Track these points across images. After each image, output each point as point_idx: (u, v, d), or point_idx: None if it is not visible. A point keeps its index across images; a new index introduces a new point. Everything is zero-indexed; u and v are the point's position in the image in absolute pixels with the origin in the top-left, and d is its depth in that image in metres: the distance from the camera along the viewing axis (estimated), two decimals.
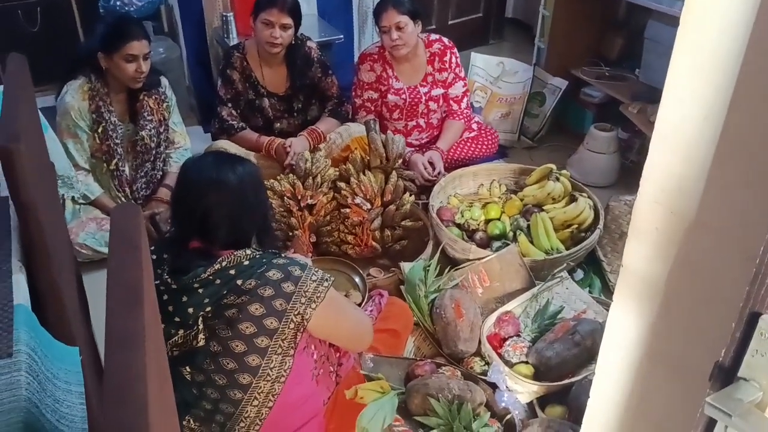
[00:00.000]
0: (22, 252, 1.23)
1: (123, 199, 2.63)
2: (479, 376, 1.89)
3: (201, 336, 1.42)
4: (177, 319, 1.42)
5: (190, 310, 1.40)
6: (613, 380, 1.12)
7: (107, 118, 2.49)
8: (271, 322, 1.39)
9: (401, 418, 1.77)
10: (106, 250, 2.45)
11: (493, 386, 1.84)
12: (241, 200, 1.47)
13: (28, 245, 1.19)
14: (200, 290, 1.40)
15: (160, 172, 2.72)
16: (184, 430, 1.49)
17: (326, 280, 1.45)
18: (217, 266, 1.41)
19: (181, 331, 1.43)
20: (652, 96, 3.04)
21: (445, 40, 2.93)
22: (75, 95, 2.44)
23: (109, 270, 0.84)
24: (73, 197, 2.44)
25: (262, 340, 1.40)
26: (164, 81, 2.67)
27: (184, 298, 1.41)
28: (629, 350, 1.10)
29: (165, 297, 1.43)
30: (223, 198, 1.44)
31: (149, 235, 2.61)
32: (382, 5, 2.73)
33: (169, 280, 1.44)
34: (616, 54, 3.37)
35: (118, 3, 3.53)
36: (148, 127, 2.60)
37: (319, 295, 1.42)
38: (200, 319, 1.42)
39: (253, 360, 1.41)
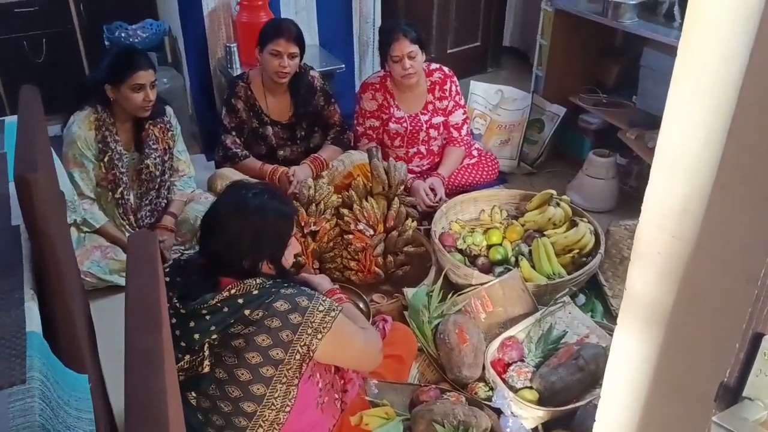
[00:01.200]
0: (34, 280, 1.25)
1: (127, 227, 2.65)
2: (484, 401, 1.89)
3: (206, 363, 1.44)
4: (183, 344, 1.44)
5: (197, 336, 1.42)
6: (618, 403, 1.13)
7: (113, 147, 2.52)
8: (277, 353, 1.41)
9: None
10: (110, 278, 2.49)
11: (498, 412, 1.84)
12: (262, 229, 1.50)
13: (40, 273, 1.21)
14: (207, 317, 1.42)
15: (165, 200, 2.74)
16: None
17: (333, 309, 1.46)
18: (225, 294, 1.43)
19: (187, 357, 1.45)
20: (649, 122, 3.09)
21: (445, 69, 2.99)
22: (81, 125, 2.47)
23: (128, 293, 0.86)
24: (78, 225, 2.46)
25: (268, 370, 1.42)
26: (169, 110, 2.71)
27: (192, 324, 1.43)
28: (634, 373, 1.11)
29: (173, 321, 1.45)
30: (248, 220, 1.49)
31: None
32: (393, 35, 2.76)
33: (177, 304, 1.46)
34: (613, 81, 3.43)
35: (122, 35, 3.61)
36: (153, 156, 2.63)
37: (325, 325, 1.44)
38: (206, 345, 1.43)
39: (258, 389, 1.43)
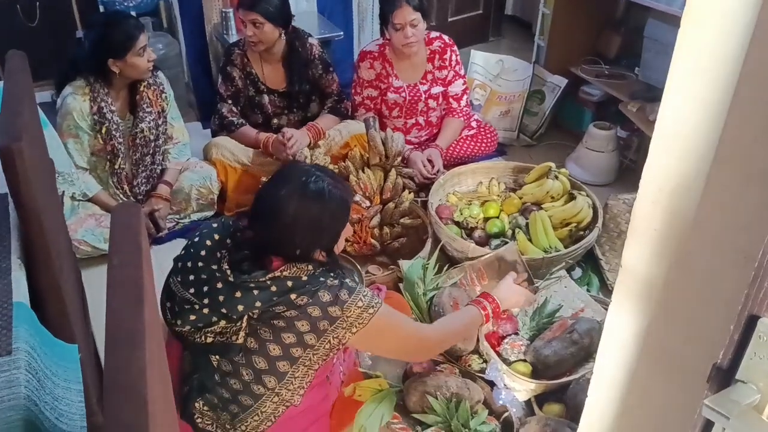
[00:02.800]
0: (22, 250, 1.23)
1: (122, 195, 2.63)
2: (477, 374, 1.89)
3: (242, 334, 1.45)
4: (224, 311, 1.43)
5: (240, 307, 1.42)
6: (610, 380, 1.13)
7: (110, 117, 2.48)
8: (310, 339, 1.42)
9: (399, 416, 1.78)
10: (104, 246, 2.49)
11: (491, 384, 1.85)
12: (320, 217, 1.48)
13: (28, 244, 1.19)
14: (255, 291, 1.42)
15: (159, 167, 2.72)
16: (193, 412, 1.50)
17: (372, 306, 1.45)
18: (277, 273, 1.43)
19: (222, 322, 1.45)
20: (651, 94, 3.05)
21: (446, 37, 2.93)
22: (76, 97, 2.43)
23: (110, 268, 0.84)
24: (72, 194, 2.44)
25: (297, 350, 1.43)
26: (160, 74, 2.67)
27: (238, 294, 1.43)
28: (627, 350, 1.11)
29: (219, 285, 1.45)
30: (308, 209, 1.46)
31: (148, 232, 2.61)
32: (395, 2, 2.69)
33: (227, 271, 1.46)
34: (615, 52, 3.37)
35: None
36: (147, 119, 2.59)
37: (362, 321, 1.44)
38: (245, 317, 1.44)
39: (283, 366, 1.44)
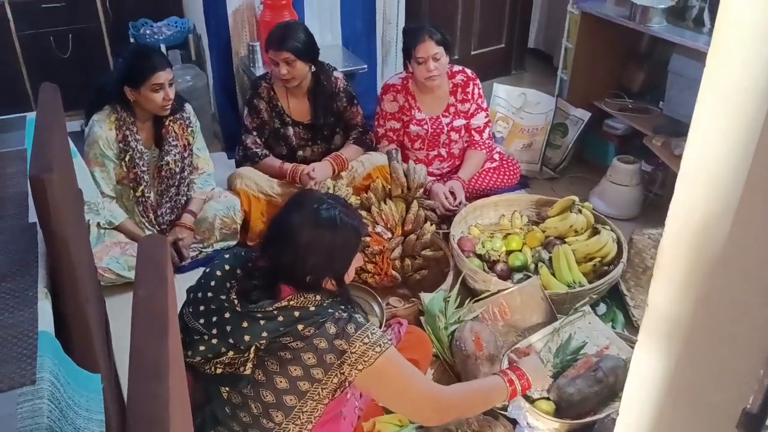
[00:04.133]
0: (48, 278, 1.25)
1: (147, 224, 2.67)
2: (499, 411, 1.86)
3: (249, 365, 1.45)
4: (231, 341, 1.44)
5: (247, 337, 1.43)
6: (636, 423, 1.10)
7: (134, 146, 2.53)
8: (318, 373, 1.41)
9: None
10: (129, 274, 2.51)
11: (514, 422, 1.82)
12: (331, 245, 1.49)
13: (55, 272, 1.21)
14: (261, 321, 1.43)
15: (184, 198, 2.75)
16: None
17: (379, 345, 1.43)
18: (284, 303, 1.44)
19: (231, 353, 1.45)
20: (675, 129, 3.03)
21: (468, 71, 2.96)
22: (102, 125, 2.49)
23: (136, 300, 0.85)
24: (98, 222, 2.48)
25: (304, 384, 1.42)
26: (188, 107, 2.72)
27: (245, 324, 1.44)
28: (653, 392, 1.08)
29: (227, 315, 1.46)
30: (318, 236, 1.48)
31: (171, 261, 2.63)
32: (418, 36, 2.73)
33: (235, 300, 1.47)
34: (639, 86, 3.37)
35: (147, 32, 3.63)
36: (173, 152, 2.64)
37: (367, 359, 1.42)
38: (253, 348, 1.44)
39: (291, 400, 1.43)
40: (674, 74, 3.08)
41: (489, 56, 4.55)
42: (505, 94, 3.53)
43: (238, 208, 2.75)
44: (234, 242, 2.81)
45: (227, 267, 1.55)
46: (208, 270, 1.57)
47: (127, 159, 2.55)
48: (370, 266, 2.48)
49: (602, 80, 3.39)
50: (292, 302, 1.45)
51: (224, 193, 2.81)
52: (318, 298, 1.47)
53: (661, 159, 2.98)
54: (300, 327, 1.42)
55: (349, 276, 1.62)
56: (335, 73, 2.93)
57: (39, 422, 0.94)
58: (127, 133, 2.53)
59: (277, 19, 3.20)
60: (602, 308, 2.43)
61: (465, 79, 2.93)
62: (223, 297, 1.49)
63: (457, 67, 2.98)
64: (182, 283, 2.58)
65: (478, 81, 2.96)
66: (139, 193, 2.62)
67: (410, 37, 2.80)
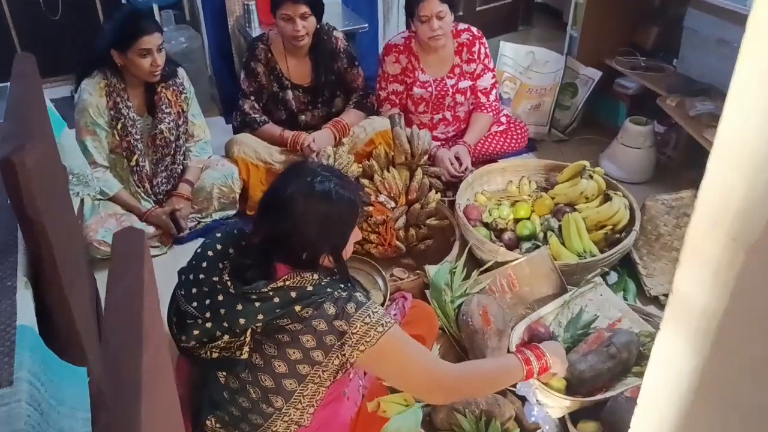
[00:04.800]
0: (29, 265, 1.17)
1: (143, 194, 2.58)
2: (508, 388, 1.80)
3: (246, 349, 1.39)
4: (225, 324, 1.38)
5: (242, 320, 1.36)
6: (658, 416, 1.03)
7: (126, 114, 2.43)
8: (318, 355, 1.35)
9: None
10: None
11: (523, 399, 1.76)
12: (327, 218, 1.42)
13: (34, 259, 1.13)
14: (256, 303, 1.36)
15: (181, 166, 2.66)
16: (205, 430, 1.45)
17: (381, 324, 1.37)
18: (279, 283, 1.37)
19: (226, 337, 1.39)
20: (690, 88, 2.90)
21: (474, 29, 2.82)
22: (92, 92, 2.39)
23: (109, 298, 0.77)
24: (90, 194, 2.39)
25: (304, 368, 1.36)
26: (181, 72, 2.61)
27: (239, 306, 1.37)
28: (680, 380, 1.00)
29: (220, 297, 1.40)
30: (313, 209, 1.40)
31: (169, 232, 2.56)
32: None
33: (228, 282, 1.40)
34: (651, 43, 3.22)
35: None
36: (167, 120, 2.54)
37: (369, 339, 1.35)
38: (249, 331, 1.38)
39: (290, 384, 1.37)
40: (690, 30, 2.93)
41: (495, 12, 4.38)
42: (512, 52, 3.39)
43: (237, 176, 2.66)
44: (233, 212, 2.73)
45: (219, 246, 1.48)
46: (199, 250, 1.50)
47: (119, 127, 2.45)
48: (373, 236, 2.40)
49: (614, 37, 3.24)
50: (288, 282, 1.38)
51: (222, 161, 2.71)
52: (315, 276, 1.40)
53: (675, 120, 2.86)
54: (297, 308, 1.35)
55: (348, 252, 1.54)
56: (335, 33, 2.80)
57: (17, 427, 0.87)
58: (118, 99, 2.43)
59: None
60: (613, 277, 2.35)
61: (471, 38, 2.79)
62: (216, 278, 1.42)
63: (462, 26, 2.83)
64: (181, 255, 2.52)
65: (484, 40, 2.82)
66: (133, 163, 2.52)
67: None
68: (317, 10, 2.63)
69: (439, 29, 2.61)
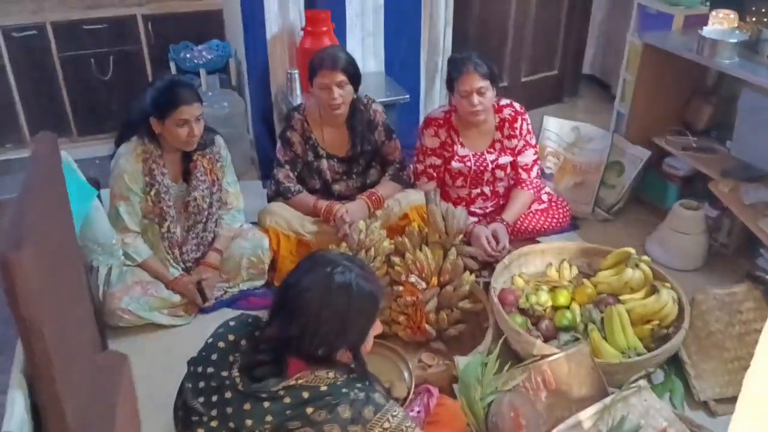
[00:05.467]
0: (27, 359, 1.11)
1: (172, 261, 2.55)
2: None
3: None
4: (232, 425, 1.29)
5: (249, 422, 1.28)
6: None
7: (160, 180, 2.42)
8: None
9: None
10: (149, 315, 2.41)
11: None
12: (346, 314, 1.35)
13: (28, 356, 1.07)
14: (266, 403, 1.28)
15: (212, 234, 2.62)
16: None
17: (401, 431, 1.29)
18: (292, 382, 1.29)
19: None
20: (745, 173, 2.75)
21: (516, 105, 2.75)
22: (129, 158, 2.39)
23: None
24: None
25: None
26: (219, 140, 2.60)
27: (247, 406, 1.29)
28: None
29: (228, 394, 1.31)
30: (332, 303, 1.34)
31: (194, 302, 2.51)
32: (462, 68, 2.53)
33: (237, 378, 1.32)
34: (704, 123, 3.09)
35: (188, 55, 3.55)
36: (201, 188, 2.52)
37: None
38: None
39: None
40: (745, 112, 2.80)
41: (541, 83, 4.33)
42: (556, 127, 3.31)
43: (267, 247, 2.61)
44: (261, 282, 2.67)
45: (231, 337, 1.41)
46: (210, 340, 1.43)
47: (152, 193, 2.44)
48: (401, 318, 2.29)
49: (663, 116, 3.13)
50: (300, 381, 1.29)
51: (252, 230, 2.67)
52: (331, 375, 1.31)
53: (727, 206, 2.70)
54: (309, 410, 1.26)
55: (367, 346, 1.45)
56: (374, 105, 2.76)
57: None
58: (154, 166, 2.42)
59: (317, 45, 3.08)
60: (659, 376, 2.18)
61: (513, 113, 2.72)
62: (225, 373, 1.34)
63: (504, 101, 2.77)
64: (207, 325, 2.45)
65: (526, 116, 2.74)
66: (164, 229, 2.50)
67: (454, 67, 2.60)
68: (354, 79, 2.61)
69: (480, 105, 2.55)
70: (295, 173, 2.76)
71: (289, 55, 3.33)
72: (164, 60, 3.64)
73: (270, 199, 2.80)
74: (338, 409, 1.26)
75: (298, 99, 3.18)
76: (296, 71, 3.19)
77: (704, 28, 2.74)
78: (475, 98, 2.54)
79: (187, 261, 2.58)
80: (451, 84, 2.63)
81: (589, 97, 4.54)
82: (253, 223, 2.77)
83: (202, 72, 3.47)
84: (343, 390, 1.30)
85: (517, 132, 2.71)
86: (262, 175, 3.48)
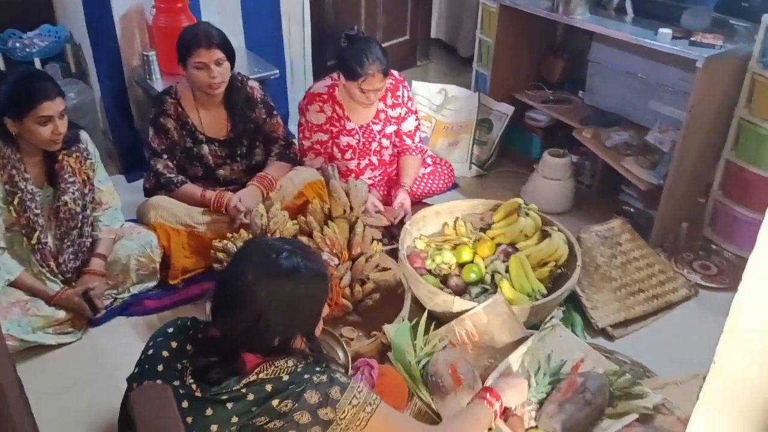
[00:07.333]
0: None
1: (48, 274, 2.28)
2: None
3: None
4: None
5: (214, 427, 1.20)
6: None
7: (23, 187, 2.15)
8: None
9: None
10: (33, 337, 2.16)
11: None
12: (297, 298, 1.29)
13: None
14: (228, 404, 1.20)
15: (89, 239, 2.38)
16: None
17: (369, 404, 1.28)
18: (252, 377, 1.22)
19: None
20: (601, 119, 3.02)
21: (396, 73, 2.77)
22: None
23: None
24: None
25: None
26: (84, 135, 2.34)
27: (209, 411, 1.20)
28: None
29: (185, 404, 1.21)
30: (282, 290, 1.28)
31: (84, 314, 2.28)
32: (365, 67, 2.48)
33: (193, 385, 1.23)
34: (557, 77, 3.34)
35: (17, 44, 3.14)
36: (70, 190, 2.27)
37: (359, 422, 1.25)
38: None
39: None
40: (594, 63, 3.07)
41: (395, 49, 4.39)
42: (424, 91, 3.39)
43: (155, 244, 2.42)
44: (154, 283, 2.47)
45: (174, 344, 1.31)
46: (150, 351, 1.31)
47: (15, 202, 2.16)
48: None
49: (522, 73, 3.34)
50: (261, 374, 1.24)
51: (137, 228, 2.46)
52: (290, 363, 1.27)
53: (590, 149, 2.96)
54: (275, 403, 1.21)
55: (319, 328, 1.43)
56: (250, 83, 2.65)
57: None
58: (14, 172, 2.14)
59: (173, 23, 2.87)
60: (559, 314, 2.35)
61: (394, 82, 2.74)
62: (177, 383, 1.24)
63: None
64: (100, 337, 2.25)
65: (406, 83, 2.79)
66: (34, 240, 2.22)
67: (357, 63, 2.50)
68: (231, 55, 2.48)
69: (374, 97, 2.57)
70: (174, 162, 2.58)
71: (141, 35, 3.07)
72: None
73: (149, 193, 2.60)
74: (304, 395, 1.23)
75: (158, 83, 2.96)
76: (153, 53, 2.96)
77: None
78: (372, 96, 2.56)
79: (65, 272, 2.32)
80: (351, 75, 2.55)
81: (439, 59, 4.70)
82: (132, 221, 2.56)
83: (37, 62, 3.10)
84: (305, 376, 1.26)
85: (400, 100, 2.75)
86: (125, 168, 3.21)
